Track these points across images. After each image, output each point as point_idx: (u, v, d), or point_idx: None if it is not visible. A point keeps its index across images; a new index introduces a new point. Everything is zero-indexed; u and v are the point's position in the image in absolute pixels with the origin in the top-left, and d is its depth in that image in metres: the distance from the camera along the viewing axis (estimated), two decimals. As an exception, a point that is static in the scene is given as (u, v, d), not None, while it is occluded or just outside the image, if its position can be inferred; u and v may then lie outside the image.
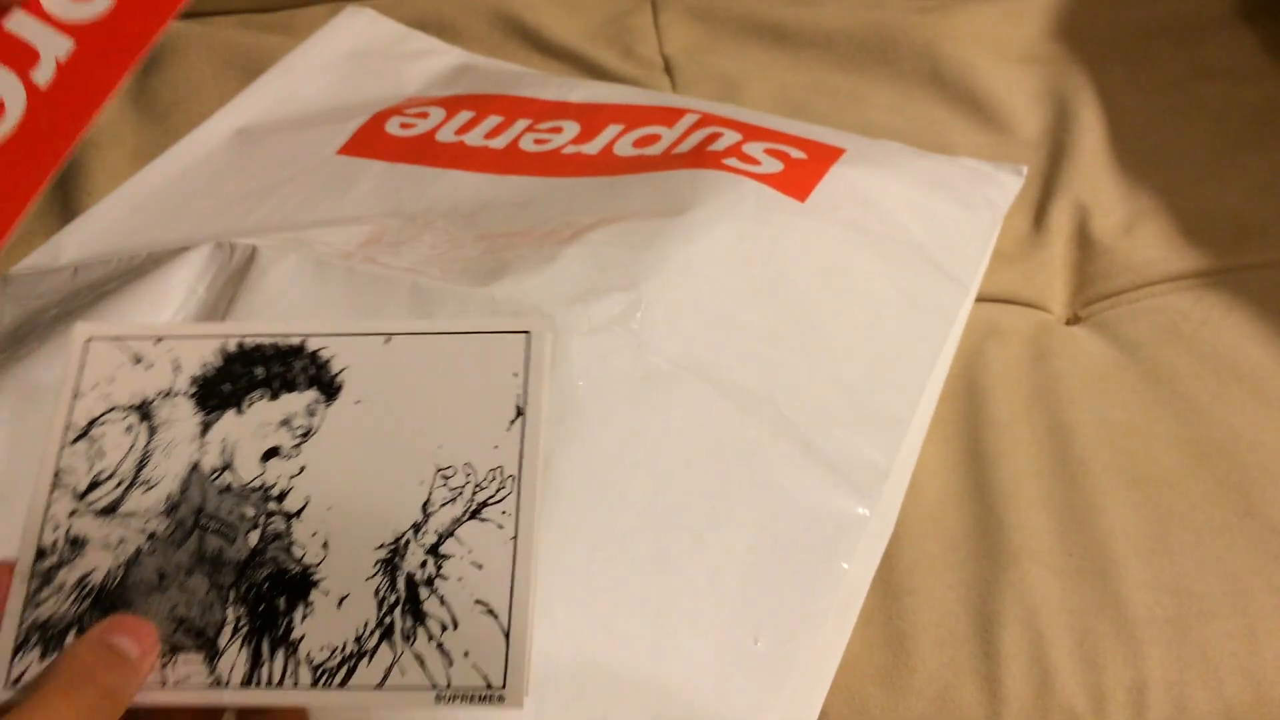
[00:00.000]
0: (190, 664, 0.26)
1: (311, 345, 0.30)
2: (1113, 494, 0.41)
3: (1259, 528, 0.40)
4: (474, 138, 0.52)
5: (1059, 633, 0.38)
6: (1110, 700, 0.36)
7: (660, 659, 0.35)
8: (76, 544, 0.28)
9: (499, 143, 0.52)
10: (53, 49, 0.30)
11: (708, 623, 0.36)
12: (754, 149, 0.48)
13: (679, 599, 0.36)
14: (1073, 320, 0.50)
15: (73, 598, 0.27)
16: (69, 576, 0.27)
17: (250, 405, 0.29)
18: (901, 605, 0.39)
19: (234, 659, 0.26)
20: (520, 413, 0.29)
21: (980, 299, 0.48)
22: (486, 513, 0.28)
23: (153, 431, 0.29)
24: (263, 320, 0.35)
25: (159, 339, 0.30)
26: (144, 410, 0.30)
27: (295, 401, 0.29)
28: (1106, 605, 0.38)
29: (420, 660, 0.26)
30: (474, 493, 0.28)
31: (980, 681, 0.37)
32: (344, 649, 0.26)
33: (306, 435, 0.29)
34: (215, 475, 0.29)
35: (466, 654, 0.26)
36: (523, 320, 0.30)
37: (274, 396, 0.29)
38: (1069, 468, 0.42)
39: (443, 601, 0.27)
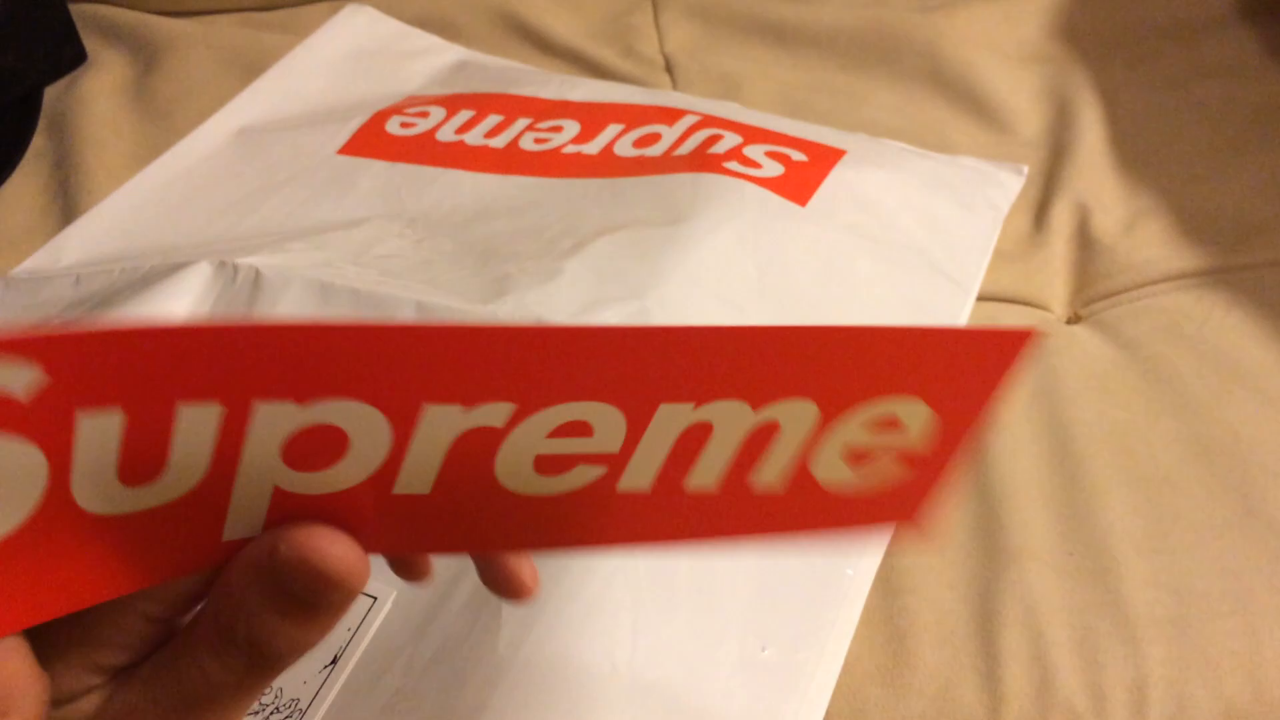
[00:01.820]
0: None
1: None
2: (1113, 493, 0.41)
3: (1260, 527, 0.40)
4: (474, 137, 0.52)
5: (1059, 631, 0.38)
6: (1110, 699, 0.36)
7: (667, 664, 0.35)
8: None
9: (499, 142, 0.52)
10: None
11: (715, 630, 0.36)
12: (754, 152, 0.48)
13: (687, 607, 0.36)
14: (1073, 319, 0.50)
15: None
16: None
17: None
18: (901, 604, 0.39)
19: None
20: (335, 661, 0.35)
21: (981, 298, 0.48)
22: None
23: None
24: None
25: None
26: None
27: None
28: (1107, 604, 0.38)
29: None
30: (271, 712, 0.35)
31: (980, 680, 0.37)
32: None
33: None
34: None
35: None
36: (377, 586, 0.36)
37: None
38: (1069, 466, 0.42)
39: None
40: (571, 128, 0.52)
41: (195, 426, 0.18)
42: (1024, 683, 0.37)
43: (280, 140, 0.55)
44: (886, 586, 0.39)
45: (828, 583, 0.38)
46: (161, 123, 0.57)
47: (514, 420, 0.20)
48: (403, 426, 0.19)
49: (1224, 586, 0.39)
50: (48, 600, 0.19)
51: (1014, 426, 0.44)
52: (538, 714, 0.34)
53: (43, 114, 0.58)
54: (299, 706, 0.35)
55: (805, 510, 0.24)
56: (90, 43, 0.62)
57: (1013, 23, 0.63)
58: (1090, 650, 0.37)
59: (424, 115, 0.54)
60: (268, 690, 0.36)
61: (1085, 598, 0.39)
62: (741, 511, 0.23)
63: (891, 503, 0.24)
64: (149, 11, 0.64)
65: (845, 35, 0.62)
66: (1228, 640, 0.37)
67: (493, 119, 0.53)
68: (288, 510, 0.20)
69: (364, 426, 0.19)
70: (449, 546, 0.22)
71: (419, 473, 0.20)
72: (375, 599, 0.38)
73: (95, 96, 0.58)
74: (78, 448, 0.18)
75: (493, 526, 0.22)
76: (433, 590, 0.38)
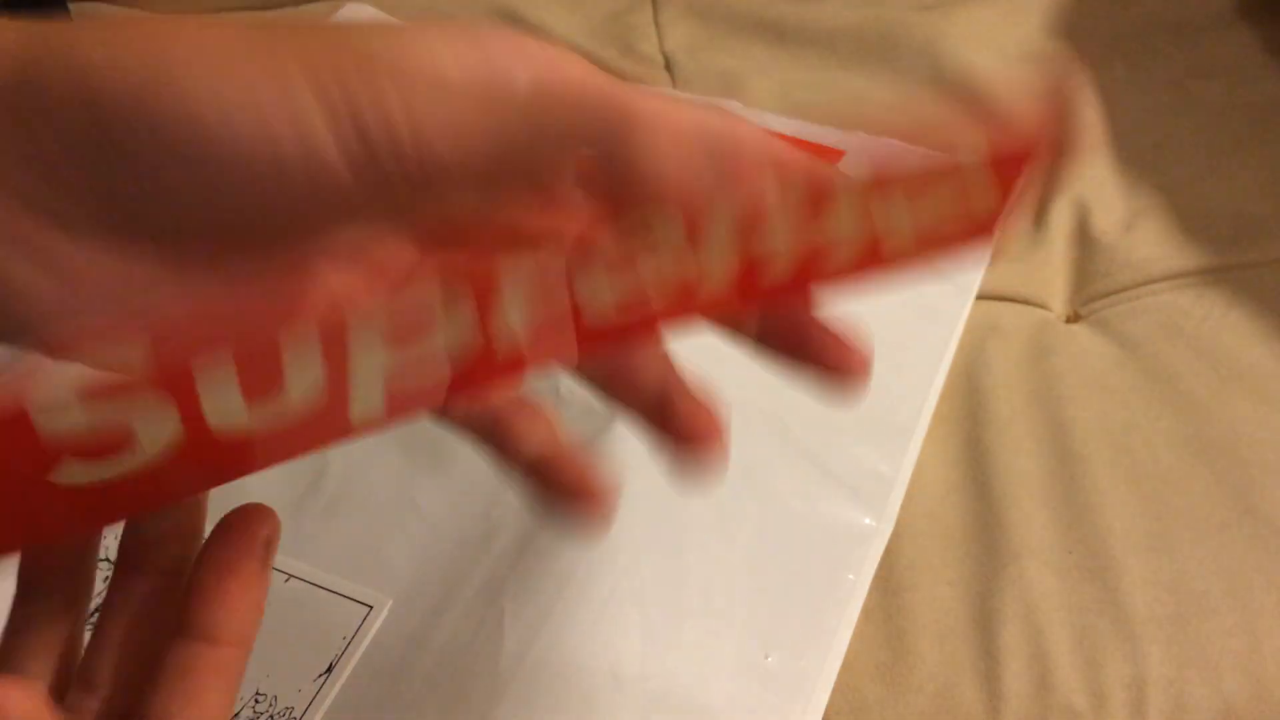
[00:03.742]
0: None
1: None
2: (1112, 491, 0.41)
3: (1258, 525, 0.40)
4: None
5: (1058, 630, 0.38)
6: (1110, 697, 0.36)
7: (673, 673, 0.35)
8: None
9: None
10: None
11: (719, 638, 0.36)
12: (754, 151, 0.48)
13: (691, 615, 0.36)
14: (1073, 318, 0.50)
15: None
16: None
17: None
18: (901, 602, 0.39)
19: None
20: (330, 670, 0.36)
21: (980, 297, 0.48)
22: None
23: None
24: None
25: None
26: None
27: None
28: (1106, 602, 0.38)
29: None
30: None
31: (980, 678, 0.37)
32: None
33: None
34: None
35: None
36: (372, 594, 0.38)
37: None
38: (1069, 465, 0.42)
39: None
40: (571, 126, 0.52)
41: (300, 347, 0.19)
42: (1023, 681, 0.37)
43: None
44: (886, 585, 0.39)
45: (828, 588, 0.38)
46: (161, 121, 0.57)
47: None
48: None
49: (1223, 586, 0.39)
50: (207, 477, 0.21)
51: (1014, 426, 0.44)
52: None
53: (42, 112, 0.58)
54: (293, 715, 0.35)
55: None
56: (90, 41, 0.62)
57: (1013, 22, 0.63)
58: (1089, 648, 0.37)
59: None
60: (262, 697, 0.36)
61: (1085, 596, 0.39)
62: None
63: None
64: (149, 11, 0.64)
65: (845, 34, 0.62)
66: (1227, 639, 0.38)
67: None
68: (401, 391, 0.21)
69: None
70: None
71: None
72: (370, 607, 0.37)
73: (95, 94, 0.58)
74: (201, 387, 0.19)
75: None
76: (430, 598, 0.37)
